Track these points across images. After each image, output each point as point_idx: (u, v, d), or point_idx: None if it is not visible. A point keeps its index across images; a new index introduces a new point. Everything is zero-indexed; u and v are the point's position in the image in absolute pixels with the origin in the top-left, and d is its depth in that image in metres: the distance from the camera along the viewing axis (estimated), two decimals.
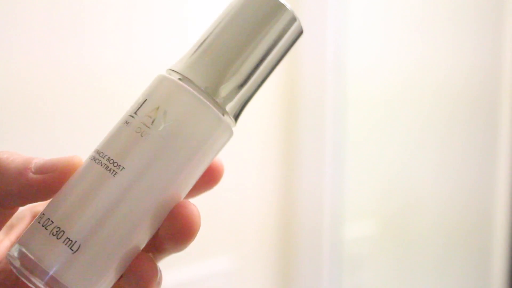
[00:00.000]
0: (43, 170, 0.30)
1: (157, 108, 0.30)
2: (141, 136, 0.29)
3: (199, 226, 0.30)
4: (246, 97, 0.32)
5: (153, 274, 0.30)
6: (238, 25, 0.31)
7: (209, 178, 0.34)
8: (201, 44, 0.32)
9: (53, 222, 0.29)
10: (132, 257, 0.30)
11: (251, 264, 0.82)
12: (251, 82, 0.32)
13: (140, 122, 0.30)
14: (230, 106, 0.31)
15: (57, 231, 0.29)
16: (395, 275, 1.02)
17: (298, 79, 0.84)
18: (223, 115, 0.31)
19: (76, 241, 0.28)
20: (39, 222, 0.29)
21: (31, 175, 0.29)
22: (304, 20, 0.86)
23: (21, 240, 0.30)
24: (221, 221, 0.78)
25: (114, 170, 0.29)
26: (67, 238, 0.28)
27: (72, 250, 0.28)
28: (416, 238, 1.05)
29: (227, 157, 0.77)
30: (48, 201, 0.31)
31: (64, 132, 0.60)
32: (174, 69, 0.32)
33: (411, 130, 1.02)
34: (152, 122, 0.30)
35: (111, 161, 0.29)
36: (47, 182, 0.29)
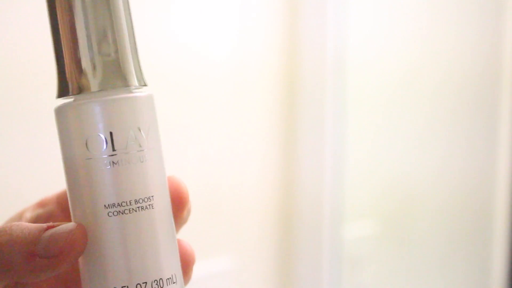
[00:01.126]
0: (50, 252, 0.28)
1: (129, 131, 0.29)
2: (141, 162, 0.30)
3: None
4: (135, 55, 0.31)
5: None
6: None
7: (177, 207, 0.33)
8: (71, 49, 0.30)
9: (146, 283, 0.29)
10: None
11: (251, 264, 0.82)
12: (130, 44, 0.31)
13: (129, 153, 0.29)
14: (137, 77, 0.31)
15: (157, 283, 0.30)
16: (395, 275, 1.02)
17: (298, 76, 0.84)
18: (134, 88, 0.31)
19: (173, 274, 0.30)
20: None
21: (38, 260, 0.28)
22: (304, 14, 0.85)
23: None
24: (221, 221, 0.78)
25: (150, 205, 0.30)
26: (167, 279, 0.30)
27: (176, 283, 0.30)
28: (416, 238, 1.05)
29: (226, 158, 0.77)
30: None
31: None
32: (81, 92, 0.30)
33: (412, 128, 1.02)
34: (140, 145, 0.30)
35: (141, 200, 0.30)
36: (59, 263, 0.29)
